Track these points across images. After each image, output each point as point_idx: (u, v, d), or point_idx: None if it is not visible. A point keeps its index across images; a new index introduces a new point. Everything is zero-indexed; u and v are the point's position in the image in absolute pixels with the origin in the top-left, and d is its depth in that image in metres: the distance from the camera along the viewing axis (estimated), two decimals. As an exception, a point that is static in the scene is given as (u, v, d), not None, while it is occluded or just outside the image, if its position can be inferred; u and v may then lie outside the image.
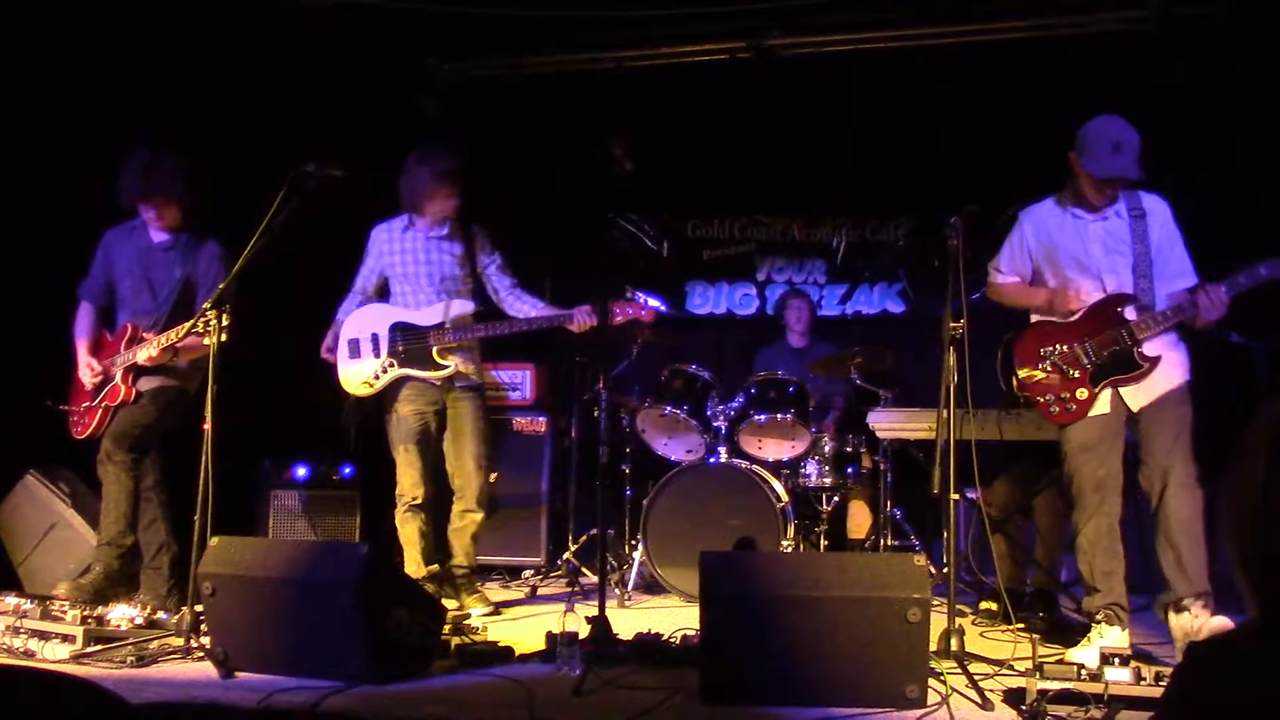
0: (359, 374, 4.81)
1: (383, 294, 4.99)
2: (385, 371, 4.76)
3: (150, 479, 4.65)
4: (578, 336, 4.86)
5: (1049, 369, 3.95)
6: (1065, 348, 3.93)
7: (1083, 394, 3.89)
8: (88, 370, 4.67)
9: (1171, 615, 3.75)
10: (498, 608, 4.93)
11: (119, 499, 4.56)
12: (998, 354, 4.46)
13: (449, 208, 4.85)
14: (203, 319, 3.94)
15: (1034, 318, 4.16)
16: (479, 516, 4.89)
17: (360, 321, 4.88)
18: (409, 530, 4.77)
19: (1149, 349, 3.85)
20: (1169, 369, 3.88)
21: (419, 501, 4.76)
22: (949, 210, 4.05)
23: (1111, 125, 3.84)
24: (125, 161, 4.63)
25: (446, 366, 4.76)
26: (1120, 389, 3.88)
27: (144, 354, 4.49)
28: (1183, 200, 4.06)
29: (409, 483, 4.75)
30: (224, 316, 3.95)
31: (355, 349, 4.83)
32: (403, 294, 4.88)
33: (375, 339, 4.80)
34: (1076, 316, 3.96)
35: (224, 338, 3.95)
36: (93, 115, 5.34)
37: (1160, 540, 3.81)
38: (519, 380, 6.47)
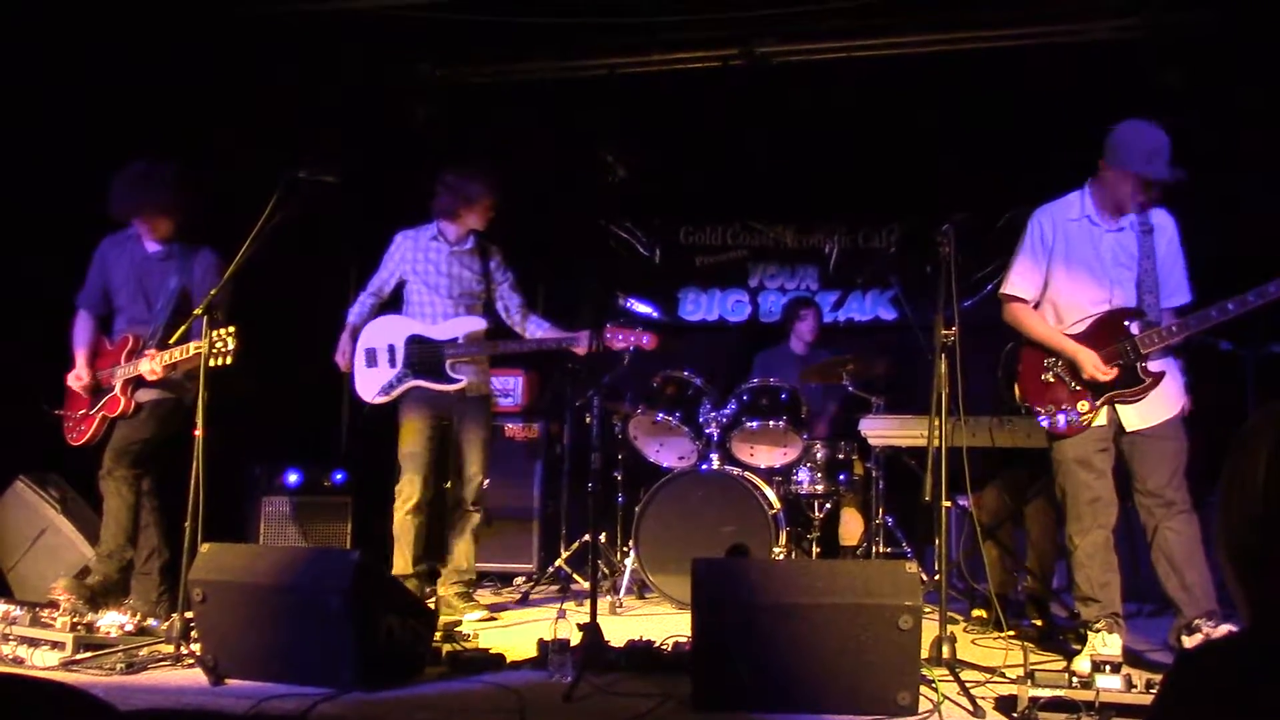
0: (375, 383, 4.95)
1: (396, 298, 5.11)
2: (400, 382, 4.91)
3: (144, 485, 4.63)
4: None
5: (1052, 381, 3.93)
6: (1069, 360, 3.92)
7: (1084, 407, 3.87)
8: (76, 380, 4.65)
9: (1184, 639, 3.72)
10: (493, 614, 4.94)
11: (120, 512, 4.54)
12: (999, 364, 4.47)
13: (484, 222, 5.02)
14: (210, 340, 3.94)
15: None
16: (476, 516, 5.01)
17: (377, 332, 5.01)
18: (407, 530, 4.86)
19: (1153, 365, 3.84)
20: (1166, 395, 3.87)
21: (421, 503, 4.86)
22: (941, 217, 4.06)
23: (1146, 132, 3.81)
24: (118, 175, 4.61)
25: (459, 380, 4.89)
26: (1118, 406, 3.87)
27: (145, 366, 4.46)
28: (1176, 209, 4.06)
29: (415, 486, 4.84)
30: (230, 340, 3.95)
31: (372, 358, 4.97)
32: (420, 304, 5.01)
33: (391, 350, 4.95)
34: (1082, 329, 3.94)
35: (229, 361, 3.95)
36: (90, 120, 5.32)
37: (1163, 566, 3.79)
38: (510, 387, 6.47)
